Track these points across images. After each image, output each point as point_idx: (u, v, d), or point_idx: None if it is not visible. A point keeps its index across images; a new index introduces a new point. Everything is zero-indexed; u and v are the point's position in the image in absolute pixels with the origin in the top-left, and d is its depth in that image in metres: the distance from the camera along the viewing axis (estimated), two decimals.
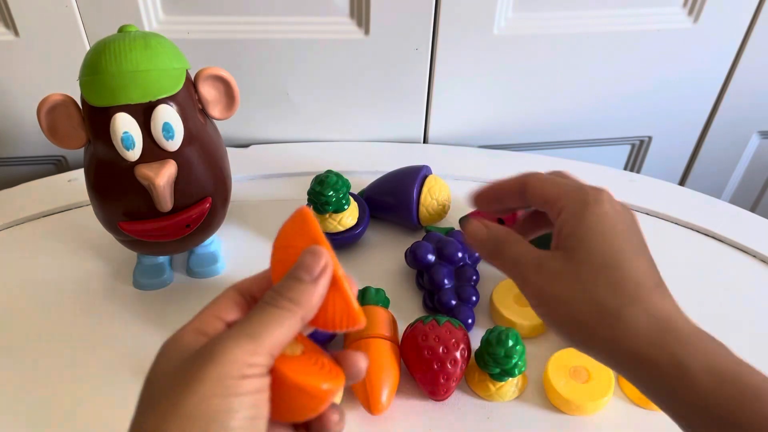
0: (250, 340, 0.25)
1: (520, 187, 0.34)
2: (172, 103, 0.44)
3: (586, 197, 0.31)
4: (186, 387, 0.24)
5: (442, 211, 0.59)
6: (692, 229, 0.63)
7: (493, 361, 0.46)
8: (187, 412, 0.23)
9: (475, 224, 0.34)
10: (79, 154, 0.49)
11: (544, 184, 0.33)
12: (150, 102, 0.44)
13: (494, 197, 0.35)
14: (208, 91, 0.47)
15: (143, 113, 0.44)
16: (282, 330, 0.26)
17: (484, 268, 0.55)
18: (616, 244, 0.30)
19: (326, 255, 0.28)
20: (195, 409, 0.23)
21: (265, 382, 0.25)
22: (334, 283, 0.28)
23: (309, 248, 0.28)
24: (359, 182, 0.63)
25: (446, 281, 0.52)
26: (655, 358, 0.28)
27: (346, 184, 0.56)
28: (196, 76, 0.47)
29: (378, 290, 0.51)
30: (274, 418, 0.27)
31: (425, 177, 0.59)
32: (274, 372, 0.26)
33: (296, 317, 0.27)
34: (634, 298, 0.29)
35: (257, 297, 0.29)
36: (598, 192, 0.31)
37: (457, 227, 0.59)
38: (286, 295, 0.27)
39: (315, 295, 0.27)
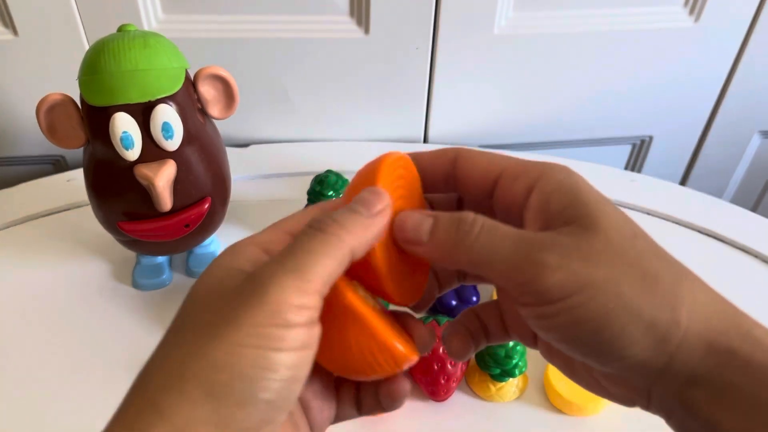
0: (295, 276, 0.21)
1: (449, 166, 0.27)
2: (171, 103, 0.44)
3: (559, 165, 0.25)
4: (219, 327, 0.20)
5: None
6: (693, 229, 0.63)
7: (493, 362, 0.46)
8: (213, 358, 0.20)
9: (410, 216, 0.25)
10: (78, 153, 0.49)
11: (485, 158, 0.26)
12: (149, 101, 0.44)
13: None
14: (207, 91, 0.47)
15: (142, 113, 0.44)
16: (330, 261, 0.22)
17: None
18: (635, 226, 0.24)
19: (388, 198, 0.24)
20: (223, 359, 0.20)
21: (314, 334, 0.21)
22: (354, 317, 0.23)
23: (371, 187, 0.24)
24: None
25: None
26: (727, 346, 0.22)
27: (346, 184, 0.55)
28: (196, 75, 0.47)
29: None
30: (328, 367, 0.24)
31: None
32: (349, 314, 0.23)
33: (346, 247, 0.22)
34: (684, 273, 0.23)
35: None
36: (567, 169, 0.25)
37: None
38: (338, 219, 0.23)
39: (369, 229, 0.23)
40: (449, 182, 0.27)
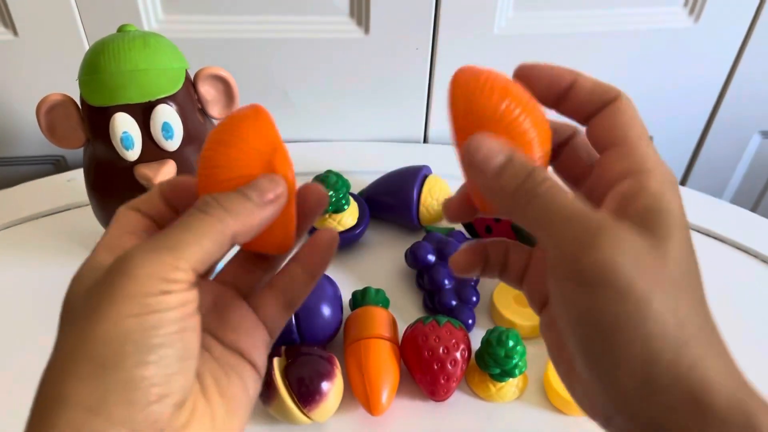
0: (169, 252, 0.21)
1: (566, 86, 0.25)
2: (171, 103, 0.44)
3: (667, 170, 0.23)
4: (97, 309, 0.21)
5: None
6: (693, 229, 0.63)
7: (493, 362, 0.46)
8: (99, 335, 0.21)
9: (486, 142, 0.23)
10: (78, 153, 0.49)
11: (633, 120, 0.24)
12: (149, 102, 0.44)
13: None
14: (207, 91, 0.47)
15: (142, 113, 0.44)
16: (208, 242, 0.22)
17: None
18: (693, 250, 0.23)
19: (284, 187, 0.24)
20: (108, 333, 0.20)
21: (191, 296, 0.22)
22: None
23: (268, 175, 0.24)
24: (359, 182, 0.62)
25: (446, 281, 0.52)
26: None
27: (346, 184, 0.55)
28: (196, 75, 0.47)
29: (378, 290, 0.51)
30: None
31: (425, 177, 0.59)
32: None
33: (227, 231, 0.23)
34: (708, 334, 0.22)
35: (155, 217, 0.26)
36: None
37: (457, 227, 0.59)
38: (224, 204, 0.23)
39: (258, 217, 0.23)
40: (561, 105, 0.26)
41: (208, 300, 0.27)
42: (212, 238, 0.22)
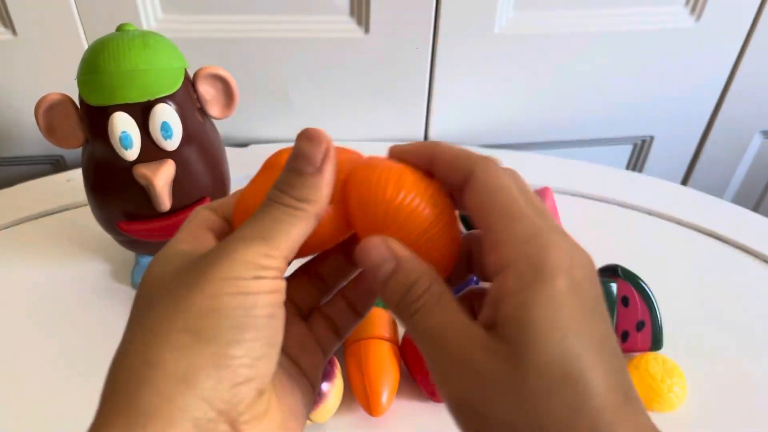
0: (263, 242, 0.22)
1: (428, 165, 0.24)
2: (170, 103, 0.44)
3: (541, 262, 0.20)
4: (193, 286, 0.21)
5: None
6: (694, 229, 0.63)
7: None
8: (195, 309, 0.21)
9: (377, 249, 0.23)
10: (77, 153, 0.49)
11: (491, 197, 0.22)
12: (148, 101, 0.43)
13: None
14: (206, 90, 0.47)
15: (141, 112, 0.44)
16: (296, 231, 0.23)
17: None
18: (577, 343, 0.20)
19: (324, 136, 0.24)
20: (204, 307, 0.21)
21: (282, 285, 0.23)
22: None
23: (303, 132, 0.24)
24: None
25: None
26: None
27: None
28: (195, 75, 0.46)
29: None
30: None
31: None
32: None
33: (309, 217, 0.23)
34: (600, 425, 0.19)
35: (229, 219, 0.26)
36: (557, 251, 0.21)
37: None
38: (291, 194, 0.23)
39: (323, 186, 0.23)
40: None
41: None
42: (299, 226, 0.23)
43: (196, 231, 0.25)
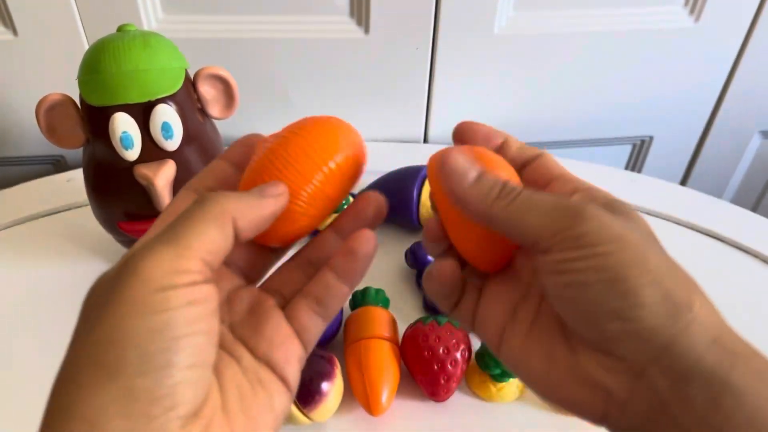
0: (170, 243, 0.20)
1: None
2: (171, 103, 0.44)
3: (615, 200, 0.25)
4: (102, 309, 0.20)
5: None
6: (693, 230, 0.63)
7: (493, 362, 0.45)
8: (100, 339, 0.19)
9: (460, 158, 0.25)
10: (78, 153, 0.49)
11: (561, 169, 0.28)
12: (149, 101, 0.43)
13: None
14: (207, 91, 0.47)
15: (142, 113, 0.44)
16: (212, 230, 0.21)
17: None
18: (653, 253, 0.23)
19: (284, 188, 0.25)
20: (109, 335, 0.19)
21: (205, 292, 0.21)
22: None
23: (272, 182, 0.25)
24: (359, 182, 0.62)
25: None
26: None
27: None
28: (196, 75, 0.47)
29: (378, 290, 0.51)
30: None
31: (425, 177, 0.59)
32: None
33: (227, 216, 0.22)
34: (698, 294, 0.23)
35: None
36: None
37: None
38: (222, 193, 0.22)
39: (256, 207, 0.23)
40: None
41: (243, 306, 0.26)
42: (215, 225, 0.21)
43: (200, 179, 0.25)
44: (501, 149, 0.28)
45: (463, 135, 0.29)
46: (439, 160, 0.25)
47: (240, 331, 0.25)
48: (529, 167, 0.28)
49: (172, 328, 0.19)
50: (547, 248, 0.23)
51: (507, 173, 0.26)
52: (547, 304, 0.25)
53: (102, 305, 0.20)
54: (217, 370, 0.23)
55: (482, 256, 0.27)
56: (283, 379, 0.25)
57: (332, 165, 0.27)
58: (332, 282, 0.26)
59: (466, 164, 0.25)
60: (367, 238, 0.26)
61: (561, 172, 0.27)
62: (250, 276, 0.27)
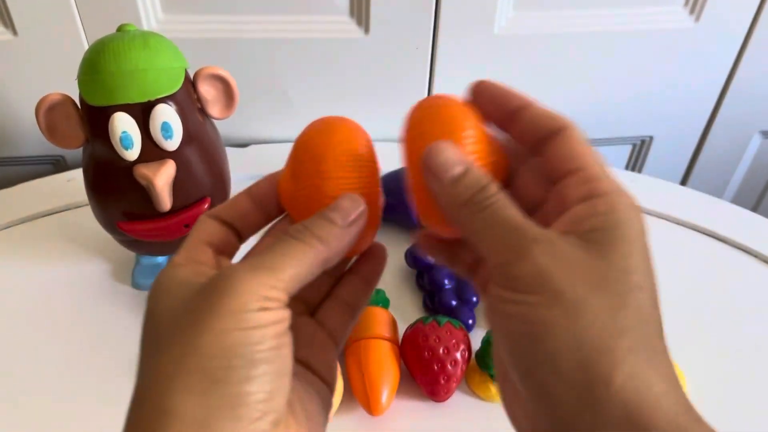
0: (269, 273, 0.22)
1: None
2: (171, 103, 0.44)
3: (629, 197, 0.24)
4: (201, 323, 0.21)
5: None
6: (694, 229, 0.63)
7: (494, 362, 0.45)
8: (205, 349, 0.21)
9: (447, 151, 0.25)
10: (77, 153, 0.49)
11: (578, 146, 0.24)
12: (149, 101, 0.43)
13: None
14: (207, 91, 0.47)
15: (142, 113, 0.44)
16: (304, 266, 0.23)
17: None
18: (649, 269, 0.22)
19: (364, 206, 0.26)
20: (214, 346, 0.21)
21: (287, 314, 0.23)
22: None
23: (349, 194, 0.26)
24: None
25: (446, 281, 0.52)
26: None
27: None
28: (195, 75, 0.47)
29: (378, 290, 0.51)
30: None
31: None
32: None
33: (320, 257, 0.24)
34: (653, 356, 0.21)
35: (235, 225, 0.27)
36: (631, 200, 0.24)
37: None
38: (316, 233, 0.24)
39: (345, 240, 0.25)
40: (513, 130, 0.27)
41: None
42: (306, 264, 0.23)
43: (195, 250, 0.25)
44: (520, 114, 0.27)
45: (477, 96, 0.29)
46: (427, 149, 0.25)
47: None
48: (551, 145, 0.25)
49: (267, 341, 0.21)
50: (491, 277, 0.23)
51: (488, 165, 0.25)
52: None
53: (200, 318, 0.21)
54: None
55: (439, 226, 0.27)
56: (325, 380, 0.27)
57: (375, 161, 0.29)
58: (357, 283, 0.29)
59: (452, 158, 0.24)
60: (379, 245, 0.30)
61: (582, 163, 0.24)
62: (306, 302, 0.30)
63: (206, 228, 0.26)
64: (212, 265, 0.25)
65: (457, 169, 0.24)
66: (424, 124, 0.27)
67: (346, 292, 0.29)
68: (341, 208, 0.25)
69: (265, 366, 0.21)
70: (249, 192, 0.28)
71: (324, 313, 0.29)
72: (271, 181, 0.28)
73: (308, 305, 0.29)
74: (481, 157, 0.25)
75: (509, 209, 0.23)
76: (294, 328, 0.24)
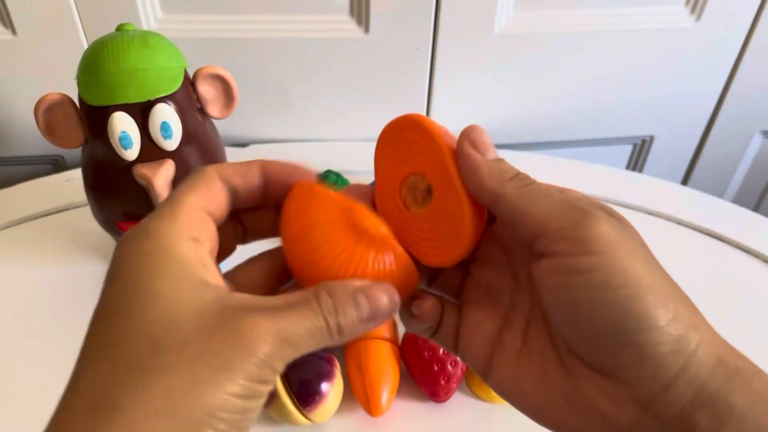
0: (286, 346, 0.20)
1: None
2: (170, 102, 0.44)
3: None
4: (213, 377, 0.19)
5: None
6: (695, 229, 0.63)
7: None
8: (207, 408, 0.19)
9: (485, 135, 0.25)
10: (77, 153, 0.49)
11: (527, 215, 0.23)
12: (148, 101, 0.43)
13: None
14: (206, 90, 0.47)
15: (141, 112, 0.44)
16: (311, 344, 0.21)
17: None
18: (641, 262, 0.22)
19: (396, 306, 0.23)
20: (218, 407, 0.19)
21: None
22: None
23: (389, 290, 0.23)
24: (359, 182, 0.62)
25: None
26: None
27: (346, 184, 0.55)
28: (195, 74, 0.46)
29: None
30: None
31: None
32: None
33: (328, 336, 0.22)
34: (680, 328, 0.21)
35: (238, 187, 0.24)
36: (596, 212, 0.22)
37: None
38: (340, 321, 0.22)
39: (360, 331, 0.23)
40: None
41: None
42: (317, 341, 0.21)
43: (197, 220, 0.22)
44: None
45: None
46: (468, 128, 0.25)
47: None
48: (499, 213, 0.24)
49: (252, 412, 0.20)
50: (550, 247, 0.22)
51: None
52: (536, 326, 0.24)
53: (212, 369, 0.19)
54: None
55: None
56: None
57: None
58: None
59: (490, 143, 0.24)
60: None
61: (534, 223, 0.23)
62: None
63: (212, 189, 0.23)
64: (213, 249, 0.23)
65: (495, 152, 0.24)
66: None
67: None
68: (375, 299, 0.22)
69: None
70: (263, 167, 0.25)
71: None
72: (286, 171, 0.25)
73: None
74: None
75: (554, 186, 0.23)
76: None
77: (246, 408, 0.20)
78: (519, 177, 0.23)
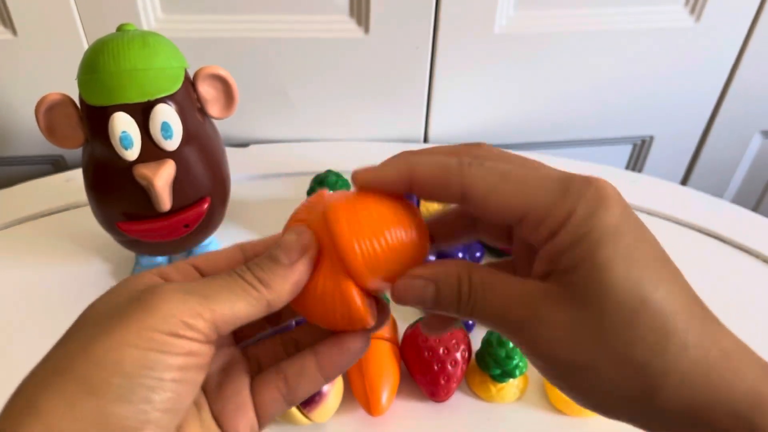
0: (200, 300, 0.21)
1: (458, 196, 0.23)
2: (170, 103, 0.44)
3: (590, 209, 0.21)
4: (105, 330, 0.20)
5: None
6: (694, 229, 0.63)
7: (493, 362, 0.45)
8: (93, 356, 0.20)
9: (410, 287, 0.24)
10: (77, 153, 0.49)
11: (502, 195, 0.22)
12: (148, 101, 0.43)
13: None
14: (206, 90, 0.47)
15: (141, 112, 0.44)
16: (240, 306, 0.22)
17: None
18: (645, 274, 0.20)
19: (310, 237, 0.24)
20: (104, 356, 0.20)
21: (204, 350, 0.21)
22: (337, 272, 0.24)
23: (294, 227, 0.24)
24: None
25: None
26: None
27: (346, 184, 0.55)
28: (195, 75, 0.46)
29: None
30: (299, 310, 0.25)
31: None
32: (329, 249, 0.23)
33: (262, 300, 0.23)
34: (682, 345, 0.21)
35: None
36: (598, 193, 0.21)
37: None
38: (257, 274, 0.23)
39: (288, 281, 0.23)
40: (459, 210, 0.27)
41: (219, 363, 0.26)
42: (248, 303, 0.22)
43: (183, 266, 0.24)
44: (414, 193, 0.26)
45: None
46: (394, 288, 0.24)
47: (207, 385, 0.25)
48: (472, 208, 0.24)
49: (162, 370, 0.20)
50: (543, 229, 0.21)
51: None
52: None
53: (105, 323, 0.21)
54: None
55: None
56: None
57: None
58: (310, 368, 0.25)
59: (417, 284, 0.24)
60: (363, 337, 0.25)
61: (521, 207, 0.23)
62: (239, 335, 0.28)
63: (221, 255, 0.26)
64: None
65: (430, 290, 0.23)
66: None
67: (292, 370, 0.26)
68: (284, 243, 0.23)
69: (151, 395, 0.20)
70: (242, 248, 0.26)
71: (261, 382, 0.26)
72: (267, 245, 0.26)
73: (259, 366, 0.26)
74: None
75: (489, 300, 0.22)
76: (226, 376, 0.23)
77: (154, 362, 0.20)
78: (462, 301, 0.23)
